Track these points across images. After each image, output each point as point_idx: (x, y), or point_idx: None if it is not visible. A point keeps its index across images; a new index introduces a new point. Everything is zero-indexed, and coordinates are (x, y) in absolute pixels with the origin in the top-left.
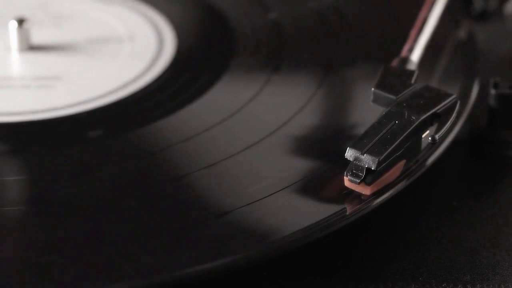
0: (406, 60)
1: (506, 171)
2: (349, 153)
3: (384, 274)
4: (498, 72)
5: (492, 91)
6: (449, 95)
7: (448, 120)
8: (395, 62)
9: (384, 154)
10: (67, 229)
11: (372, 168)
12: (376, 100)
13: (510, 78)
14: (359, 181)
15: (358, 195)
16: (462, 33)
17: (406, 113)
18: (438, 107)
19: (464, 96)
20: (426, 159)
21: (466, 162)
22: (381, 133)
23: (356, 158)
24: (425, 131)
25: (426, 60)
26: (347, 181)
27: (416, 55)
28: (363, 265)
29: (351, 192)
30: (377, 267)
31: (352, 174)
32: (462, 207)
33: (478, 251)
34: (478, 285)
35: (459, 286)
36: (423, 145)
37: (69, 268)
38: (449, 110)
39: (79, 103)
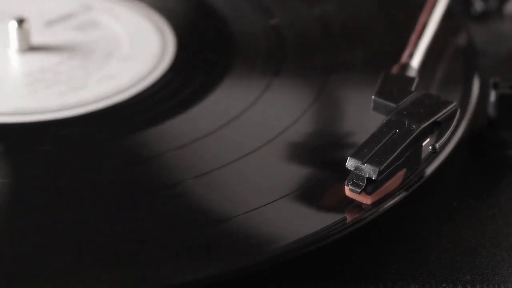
0: (406, 66)
1: (506, 171)
2: (350, 163)
3: (384, 274)
4: (498, 72)
5: (492, 91)
6: (449, 103)
7: (448, 128)
8: (395, 69)
9: (385, 164)
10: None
11: (373, 178)
12: (377, 108)
13: (510, 78)
14: (359, 190)
15: (359, 204)
16: (461, 37)
17: (407, 122)
18: (438, 115)
19: (463, 103)
20: (425, 168)
21: (466, 162)
22: (382, 142)
23: (356, 168)
24: (425, 140)
25: (426, 65)
26: (347, 191)
27: (416, 61)
28: (363, 266)
29: (352, 201)
30: (377, 267)
31: (353, 184)
32: (462, 207)
33: (478, 251)
34: (478, 285)
35: (459, 286)
36: (424, 153)
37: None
38: (449, 118)
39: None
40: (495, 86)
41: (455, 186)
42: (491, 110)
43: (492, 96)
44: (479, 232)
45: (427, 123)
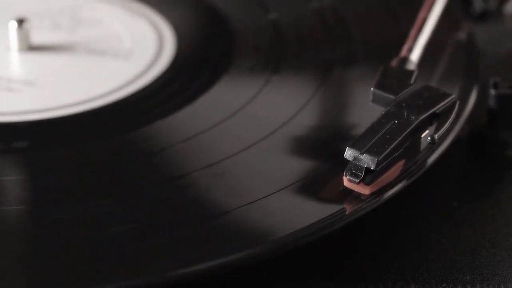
0: (405, 60)
1: (506, 171)
2: (348, 153)
3: (384, 274)
4: (498, 72)
5: (492, 91)
6: (448, 95)
7: (447, 120)
8: (394, 62)
9: (383, 154)
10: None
11: (371, 168)
12: (376, 100)
13: (510, 78)
14: (358, 181)
15: (358, 195)
16: (461, 33)
17: (405, 113)
18: (437, 107)
19: (463, 97)
20: (426, 159)
21: (466, 161)
22: (380, 133)
23: (355, 158)
24: (424, 131)
25: (425, 60)
26: (346, 181)
27: (415, 55)
28: (363, 265)
29: (350, 192)
30: (377, 267)
31: (351, 174)
32: (462, 207)
33: (478, 251)
34: (478, 285)
35: (459, 286)
36: (423, 145)
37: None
38: (448, 110)
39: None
40: (495, 86)
41: (455, 186)
42: (491, 109)
43: (492, 96)
44: (479, 232)
45: (426, 115)
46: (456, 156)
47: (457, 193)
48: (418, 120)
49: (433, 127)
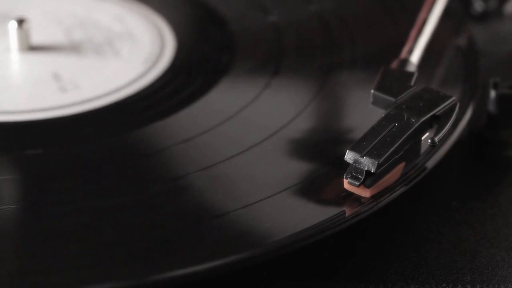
0: (405, 61)
1: (506, 172)
2: (349, 156)
3: (384, 274)
4: (498, 72)
5: (492, 91)
6: (448, 97)
7: (447, 122)
8: (394, 64)
9: (384, 157)
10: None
11: (372, 171)
12: (376, 102)
13: (510, 78)
14: (358, 183)
15: (358, 198)
16: (461, 34)
17: (406, 116)
18: (438, 109)
19: (464, 99)
20: (425, 164)
21: (466, 162)
22: (381, 136)
23: (355, 161)
24: (425, 134)
25: (425, 61)
26: (346, 184)
27: (415, 57)
28: (363, 265)
29: (350, 194)
30: (377, 267)
31: (352, 177)
32: (462, 207)
33: (478, 251)
34: (478, 285)
35: (459, 286)
36: (423, 147)
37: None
38: (448, 112)
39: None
40: (495, 86)
41: (455, 186)
42: (491, 110)
43: (492, 96)
44: (479, 232)
45: (426, 117)
46: (456, 156)
47: (457, 193)
48: (419, 123)
49: (433, 130)
